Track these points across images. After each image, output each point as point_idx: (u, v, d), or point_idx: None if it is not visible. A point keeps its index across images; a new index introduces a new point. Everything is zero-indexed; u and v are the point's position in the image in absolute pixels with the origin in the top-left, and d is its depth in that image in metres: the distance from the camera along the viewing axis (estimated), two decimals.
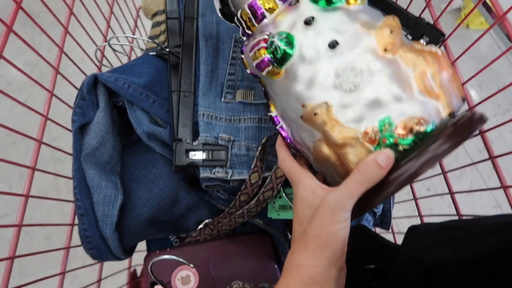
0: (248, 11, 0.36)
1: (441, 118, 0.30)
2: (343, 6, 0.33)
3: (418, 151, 0.29)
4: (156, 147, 0.51)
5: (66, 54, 0.54)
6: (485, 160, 0.45)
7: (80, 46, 0.58)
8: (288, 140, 0.37)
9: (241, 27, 0.39)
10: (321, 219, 0.31)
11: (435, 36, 0.48)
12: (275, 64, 0.33)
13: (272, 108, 0.38)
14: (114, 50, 0.56)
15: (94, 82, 0.49)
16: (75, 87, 0.53)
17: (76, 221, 0.51)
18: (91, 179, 0.50)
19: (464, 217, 0.50)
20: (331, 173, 0.34)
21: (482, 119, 0.30)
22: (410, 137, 0.29)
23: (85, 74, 0.54)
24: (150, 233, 0.54)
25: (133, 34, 0.81)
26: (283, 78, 0.34)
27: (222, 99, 0.50)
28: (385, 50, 0.31)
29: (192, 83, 0.50)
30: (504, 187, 0.43)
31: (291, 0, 0.35)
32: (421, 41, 0.47)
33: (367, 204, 0.31)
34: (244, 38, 0.39)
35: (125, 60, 0.76)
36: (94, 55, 0.56)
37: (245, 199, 0.47)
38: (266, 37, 0.34)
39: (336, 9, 0.33)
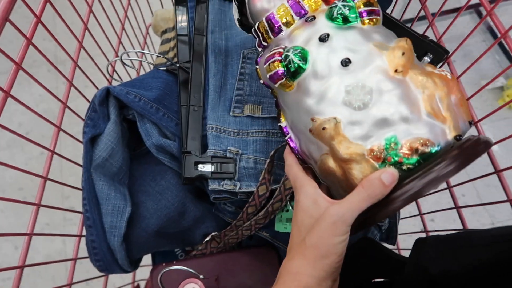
0: (266, 24, 0.37)
1: (447, 140, 0.31)
2: (358, 26, 0.34)
3: (422, 171, 0.30)
4: (165, 159, 0.51)
5: (79, 67, 0.56)
6: (491, 173, 0.46)
7: (93, 60, 0.59)
8: (296, 151, 0.38)
9: (257, 38, 0.40)
10: (321, 230, 0.32)
11: (439, 53, 0.49)
12: (288, 77, 0.34)
13: (282, 119, 0.39)
14: (124, 64, 0.57)
15: (106, 94, 0.50)
16: (87, 100, 0.54)
17: (84, 232, 0.51)
18: (100, 190, 0.50)
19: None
20: (335, 186, 0.35)
21: (487, 144, 0.31)
22: (415, 157, 0.30)
23: (96, 87, 0.56)
24: (157, 245, 0.54)
25: (143, 49, 0.83)
26: (295, 91, 0.35)
27: (231, 113, 0.51)
28: (396, 71, 0.31)
29: (201, 98, 0.52)
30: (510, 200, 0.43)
31: (308, 16, 0.36)
32: (425, 58, 0.48)
33: (368, 220, 0.32)
34: (260, 49, 0.40)
35: (133, 75, 0.78)
36: (106, 69, 0.58)
37: (252, 211, 0.48)
38: (281, 50, 0.35)
39: (351, 28, 0.34)
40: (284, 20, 0.36)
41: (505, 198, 0.44)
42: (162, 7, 0.80)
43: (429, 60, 0.49)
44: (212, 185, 0.46)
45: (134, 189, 0.54)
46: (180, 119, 0.51)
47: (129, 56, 0.56)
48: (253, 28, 0.40)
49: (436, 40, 0.52)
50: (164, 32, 0.77)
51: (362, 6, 0.34)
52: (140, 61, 0.61)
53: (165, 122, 0.51)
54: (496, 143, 0.39)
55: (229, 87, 0.53)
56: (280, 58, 0.35)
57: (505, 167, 0.44)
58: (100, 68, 0.62)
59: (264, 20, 0.38)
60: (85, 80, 0.59)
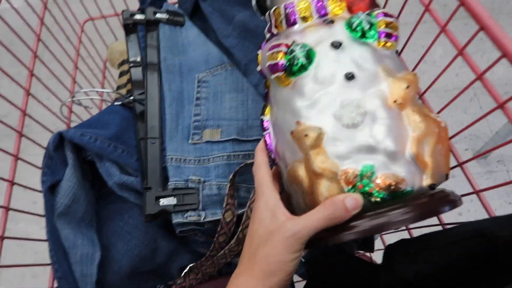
0: (283, 11, 0.36)
1: (421, 186, 0.30)
2: (373, 44, 0.33)
3: (387, 209, 0.29)
4: (130, 197, 0.50)
5: (29, 116, 0.54)
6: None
7: (44, 106, 0.58)
8: (270, 149, 0.37)
9: (269, 23, 0.38)
10: (273, 246, 0.31)
11: None
12: (288, 72, 0.33)
13: (266, 112, 0.37)
14: (80, 105, 0.56)
15: (60, 139, 0.48)
16: (42, 147, 0.52)
17: (56, 285, 0.49)
18: (66, 239, 0.48)
19: (448, 226, 0.49)
20: (298, 196, 0.34)
21: (456, 202, 0.31)
22: (386, 193, 0.29)
23: (52, 132, 0.54)
24: (133, 286, 0.52)
25: (102, 85, 0.81)
26: (290, 88, 0.33)
27: (190, 141, 0.50)
28: (395, 101, 0.31)
29: (158, 129, 0.50)
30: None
31: (327, 18, 0.34)
32: None
33: (322, 240, 0.31)
34: (268, 35, 0.38)
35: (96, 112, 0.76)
36: (59, 111, 0.56)
37: (224, 239, 0.46)
38: (289, 43, 0.33)
39: (366, 44, 0.33)
40: (302, 14, 0.35)
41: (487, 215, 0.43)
42: (116, 39, 0.79)
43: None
44: (176, 219, 0.45)
45: (102, 231, 0.52)
46: (139, 154, 0.50)
47: (76, 97, 0.54)
48: (268, 12, 0.38)
49: None
50: (121, 64, 0.76)
51: (383, 27, 0.33)
52: (96, 99, 0.59)
53: (125, 159, 0.50)
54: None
55: (186, 114, 0.52)
56: (285, 50, 0.33)
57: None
58: (55, 112, 0.60)
59: (282, 7, 0.36)
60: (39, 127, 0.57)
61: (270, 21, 0.38)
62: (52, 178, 0.48)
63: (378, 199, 0.30)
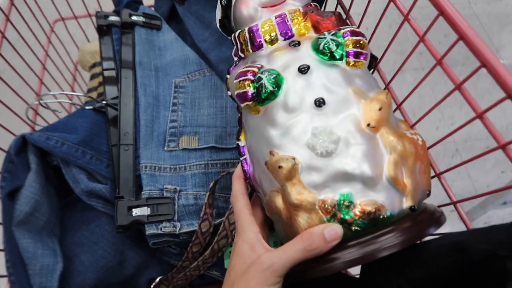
0: (247, 35, 0.35)
1: (402, 209, 0.30)
2: (341, 65, 0.32)
3: (369, 237, 0.28)
4: (98, 205, 0.47)
5: None
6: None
7: (8, 107, 0.54)
8: (248, 175, 0.35)
9: (235, 47, 0.37)
10: (250, 279, 0.29)
11: (369, 61, 0.49)
12: (256, 101, 0.32)
13: (241, 137, 0.36)
14: (47, 108, 0.53)
15: (23, 143, 0.45)
16: (3, 150, 0.49)
17: None
18: (25, 249, 0.45)
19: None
20: (278, 225, 0.33)
21: (439, 222, 0.30)
22: (366, 220, 0.29)
23: (14, 135, 0.51)
24: None
25: (72, 88, 0.78)
26: (261, 116, 0.32)
27: (165, 148, 0.48)
28: (368, 125, 0.30)
29: (132, 135, 0.48)
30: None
31: (293, 40, 0.33)
32: None
33: (306, 272, 0.30)
34: (236, 59, 0.37)
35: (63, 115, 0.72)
36: (25, 114, 0.53)
37: (197, 250, 0.44)
38: (256, 70, 0.32)
39: (334, 66, 0.31)
40: (267, 37, 0.34)
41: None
42: (88, 41, 0.76)
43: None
44: (150, 230, 0.42)
45: (66, 241, 0.48)
46: (111, 160, 0.47)
47: (43, 100, 0.51)
48: (232, 35, 0.37)
49: None
50: (93, 66, 0.73)
51: (351, 46, 0.32)
52: (66, 102, 0.56)
53: (93, 165, 0.47)
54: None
55: (162, 120, 0.50)
56: (252, 78, 0.32)
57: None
58: (19, 115, 0.56)
59: (246, 30, 0.35)
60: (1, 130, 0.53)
61: (236, 44, 0.37)
62: (12, 184, 0.45)
63: (358, 228, 0.29)
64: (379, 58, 0.48)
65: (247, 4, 0.35)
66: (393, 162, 0.29)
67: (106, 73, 0.55)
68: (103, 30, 0.61)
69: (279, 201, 0.31)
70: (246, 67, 0.33)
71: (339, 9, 0.54)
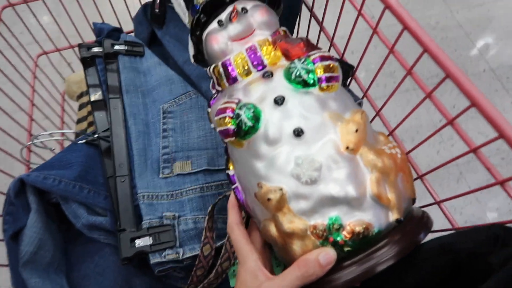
0: (221, 70, 0.36)
1: (389, 222, 0.31)
2: (315, 92, 0.33)
3: (362, 255, 0.30)
4: (100, 237, 0.48)
5: None
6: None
7: (2, 150, 0.55)
8: (242, 202, 0.36)
9: (211, 80, 0.38)
10: None
11: (346, 71, 0.51)
12: (238, 137, 0.33)
13: (230, 166, 0.37)
14: (43, 147, 0.54)
15: (21, 185, 0.46)
16: (2, 193, 0.49)
17: None
18: None
19: None
20: (276, 249, 0.34)
21: (428, 226, 0.32)
22: (356, 240, 0.30)
23: (13, 177, 0.52)
24: None
25: (62, 118, 0.78)
26: (245, 150, 0.33)
27: (160, 175, 0.49)
28: (347, 148, 0.31)
29: (126, 166, 0.49)
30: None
31: (266, 71, 0.34)
32: None
33: None
34: (213, 91, 0.38)
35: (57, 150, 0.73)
36: (20, 155, 0.54)
37: (202, 273, 0.46)
38: (233, 106, 0.33)
39: (308, 93, 0.32)
40: (241, 70, 0.35)
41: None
42: (73, 71, 0.77)
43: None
44: (154, 259, 0.44)
45: (73, 275, 0.49)
46: (108, 192, 0.49)
47: (38, 139, 0.52)
48: (207, 69, 0.38)
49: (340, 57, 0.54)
50: (80, 96, 0.74)
51: (322, 72, 0.33)
52: (58, 139, 0.57)
53: (92, 199, 0.48)
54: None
55: (154, 147, 0.51)
56: (231, 114, 0.33)
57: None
58: (14, 156, 0.57)
59: (219, 65, 0.36)
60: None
61: (212, 78, 0.38)
62: (15, 226, 0.46)
63: (350, 248, 0.30)
64: (368, 85, 0.49)
65: (217, 40, 0.36)
66: (375, 180, 0.30)
67: (94, 105, 0.56)
68: (87, 61, 0.62)
69: (273, 230, 0.32)
70: (224, 103, 0.34)
71: (322, 35, 0.56)
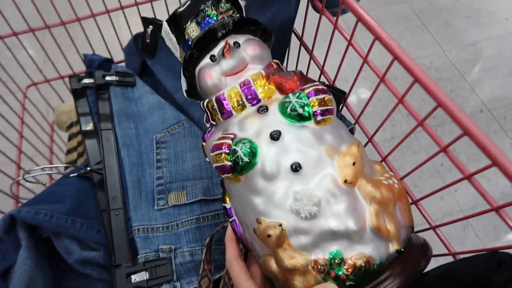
0: (215, 105, 0.36)
1: (389, 253, 0.31)
2: (310, 125, 0.33)
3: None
4: (93, 272, 0.47)
5: None
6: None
7: None
8: (240, 235, 0.36)
9: (206, 114, 0.38)
10: None
11: (337, 96, 0.51)
12: (235, 172, 0.33)
13: (227, 199, 0.37)
14: (34, 182, 0.53)
15: (11, 221, 0.45)
16: None
17: None
18: None
19: None
20: (277, 284, 0.34)
21: (428, 255, 0.32)
22: (358, 274, 0.30)
23: (2, 212, 0.50)
24: None
25: (51, 149, 0.77)
26: (242, 185, 0.33)
27: (155, 207, 0.48)
28: (345, 181, 0.31)
29: (120, 198, 0.49)
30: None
31: (261, 105, 0.34)
32: None
33: None
34: (208, 125, 0.38)
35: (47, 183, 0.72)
36: (10, 190, 0.53)
37: None
38: (229, 141, 0.33)
39: (304, 127, 0.32)
40: (235, 105, 0.35)
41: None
42: (62, 101, 0.76)
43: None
44: None
45: None
46: (102, 226, 0.48)
47: (30, 174, 0.51)
48: (201, 103, 0.38)
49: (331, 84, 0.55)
50: (70, 126, 0.73)
51: (317, 106, 0.33)
52: (51, 173, 0.56)
53: (85, 233, 0.47)
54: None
55: (148, 179, 0.51)
56: (228, 151, 0.32)
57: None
58: (3, 191, 0.56)
59: (214, 100, 0.36)
60: None
61: (206, 112, 0.38)
62: (4, 264, 0.45)
63: (352, 282, 0.30)
64: (360, 113, 0.50)
65: (210, 75, 0.36)
66: (374, 213, 0.31)
67: (86, 137, 0.56)
68: (78, 92, 0.61)
69: (273, 265, 0.32)
70: (220, 138, 0.34)
71: (312, 65, 0.57)
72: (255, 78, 0.36)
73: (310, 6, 0.55)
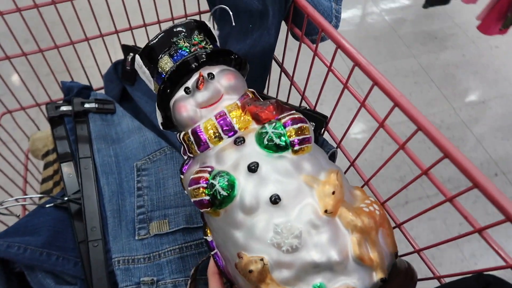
0: (191, 137, 0.35)
1: (373, 282, 0.30)
2: (288, 155, 0.32)
3: None
4: None
5: None
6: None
7: None
8: (222, 268, 0.35)
9: (182, 146, 0.37)
10: None
11: (319, 120, 0.52)
12: (214, 207, 0.32)
13: (208, 232, 0.36)
14: (8, 214, 0.50)
15: None
16: None
17: None
18: None
19: None
20: None
21: (413, 279, 0.32)
22: None
23: None
24: None
25: (25, 178, 0.75)
26: (222, 219, 0.32)
27: (136, 237, 0.47)
28: (326, 211, 0.30)
29: (99, 229, 0.47)
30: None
31: (237, 137, 0.34)
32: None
33: None
34: (185, 157, 0.37)
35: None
36: None
37: None
38: (207, 175, 0.32)
39: (282, 157, 0.32)
40: (211, 137, 0.34)
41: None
42: (38, 129, 0.74)
43: (313, 128, 0.51)
44: None
45: None
46: (80, 258, 0.46)
47: (3, 205, 0.49)
48: (177, 135, 0.37)
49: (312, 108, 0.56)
50: (46, 154, 0.71)
51: (294, 135, 0.32)
52: (27, 204, 0.53)
53: (60, 266, 0.45)
54: None
55: (128, 207, 0.49)
56: (205, 185, 0.32)
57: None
58: None
59: (189, 132, 0.35)
60: None
61: (183, 145, 0.37)
62: None
63: None
64: (341, 137, 0.50)
65: (186, 108, 0.36)
66: (357, 242, 0.30)
67: (63, 166, 0.54)
68: (55, 121, 0.60)
69: None
70: (197, 172, 0.33)
71: (293, 90, 0.57)
72: (230, 109, 0.35)
73: (289, 34, 0.57)
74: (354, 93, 0.45)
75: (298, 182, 0.31)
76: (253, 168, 0.31)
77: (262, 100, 0.37)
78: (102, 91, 0.71)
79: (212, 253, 0.35)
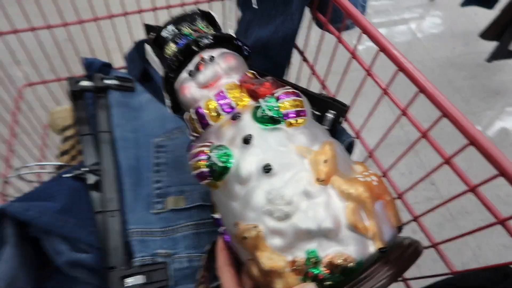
0: (194, 116, 0.37)
1: (370, 253, 0.29)
2: (283, 127, 0.33)
3: (348, 286, 0.29)
4: (83, 275, 0.45)
5: None
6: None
7: None
8: (230, 244, 0.35)
9: (188, 128, 0.39)
10: None
11: (340, 109, 0.52)
12: (213, 178, 0.33)
13: (216, 210, 0.36)
14: (24, 180, 0.51)
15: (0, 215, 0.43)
16: None
17: None
18: None
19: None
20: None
21: (418, 251, 0.31)
22: (336, 274, 0.29)
23: None
24: None
25: (42, 151, 0.76)
26: (221, 191, 0.33)
27: (152, 211, 0.47)
28: (318, 179, 0.30)
29: (117, 200, 0.47)
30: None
31: (235, 113, 0.35)
32: (328, 114, 0.49)
33: None
34: (192, 137, 0.39)
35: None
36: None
37: None
38: (205, 149, 0.34)
39: (276, 129, 0.33)
40: (212, 115, 0.36)
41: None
42: (58, 104, 0.75)
43: (333, 117, 0.50)
44: None
45: None
46: (95, 227, 0.46)
47: (21, 171, 0.50)
48: (184, 117, 0.39)
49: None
50: (65, 129, 0.72)
51: (288, 107, 0.34)
52: (43, 172, 0.54)
53: (76, 233, 0.45)
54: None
55: (145, 182, 0.50)
56: (204, 157, 0.33)
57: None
58: None
59: (192, 112, 0.37)
60: None
61: (188, 126, 0.39)
62: None
63: (331, 282, 0.29)
64: (361, 126, 0.50)
65: (188, 89, 0.39)
66: (350, 210, 0.30)
67: (83, 138, 0.55)
68: (76, 95, 0.61)
69: (255, 270, 0.31)
70: (197, 147, 0.35)
71: (314, 80, 0.57)
72: (228, 88, 0.38)
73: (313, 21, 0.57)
74: (377, 80, 0.44)
75: (291, 151, 0.32)
76: (247, 139, 0.33)
77: (259, 79, 0.39)
78: (122, 70, 0.72)
79: (221, 230, 0.36)
